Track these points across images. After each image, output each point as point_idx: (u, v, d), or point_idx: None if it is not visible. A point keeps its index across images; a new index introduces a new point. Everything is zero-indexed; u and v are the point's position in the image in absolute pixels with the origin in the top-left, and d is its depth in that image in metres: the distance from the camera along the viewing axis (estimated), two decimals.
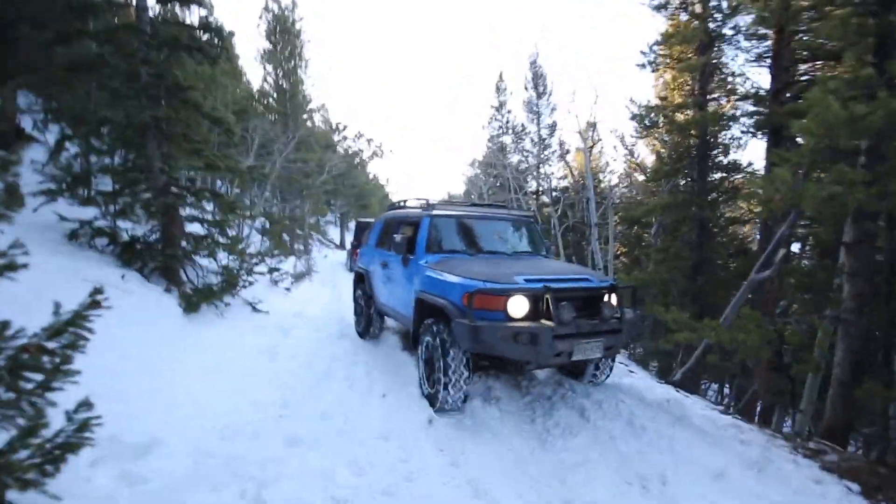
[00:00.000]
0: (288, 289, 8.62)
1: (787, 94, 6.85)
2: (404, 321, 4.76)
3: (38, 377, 1.75)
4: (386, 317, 5.77)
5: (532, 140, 17.03)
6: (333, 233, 35.40)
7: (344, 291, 8.47)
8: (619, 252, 13.06)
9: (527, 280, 3.49)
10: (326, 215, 30.29)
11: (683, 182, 10.67)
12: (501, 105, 18.97)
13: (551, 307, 3.29)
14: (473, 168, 18.39)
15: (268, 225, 11.86)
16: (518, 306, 3.33)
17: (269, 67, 15.63)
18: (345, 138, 25.93)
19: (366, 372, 4.82)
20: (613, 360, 4.36)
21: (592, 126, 11.25)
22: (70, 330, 2.09)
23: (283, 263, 10.01)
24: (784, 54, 6.89)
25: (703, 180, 8.44)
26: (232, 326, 5.68)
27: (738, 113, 7.71)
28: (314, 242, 22.23)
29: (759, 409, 8.00)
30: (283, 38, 14.61)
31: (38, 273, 4.40)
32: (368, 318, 5.88)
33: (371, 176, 39.71)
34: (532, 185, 16.44)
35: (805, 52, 6.98)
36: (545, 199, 16.94)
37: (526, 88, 17.10)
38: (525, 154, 17.40)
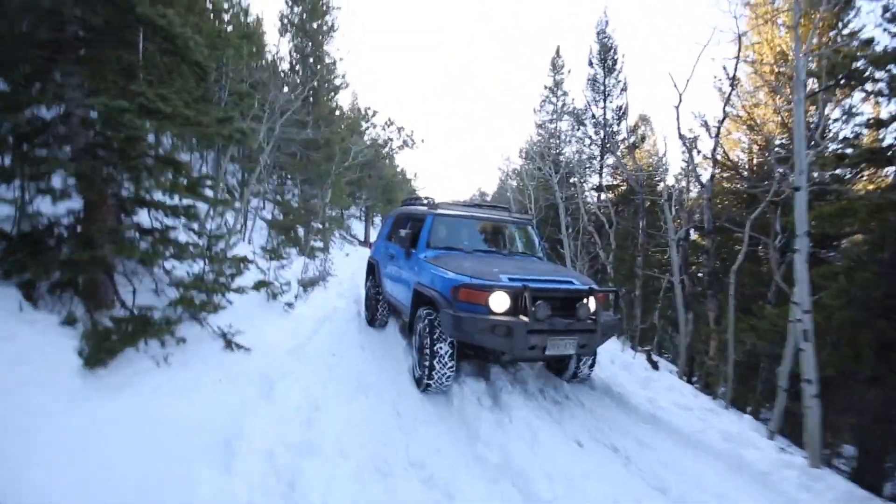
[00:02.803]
0: (290, 304, 6.31)
1: None
2: (404, 311, 4.87)
3: None
4: (391, 307, 5.83)
5: (598, 123, 14.22)
6: (357, 228, 33.35)
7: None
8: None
9: (510, 278, 3.74)
10: (350, 208, 28.12)
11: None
12: (557, 85, 16.18)
13: (528, 304, 3.51)
14: (521, 158, 15.81)
15: (278, 215, 9.69)
16: (498, 301, 3.59)
17: (288, 37, 13.53)
18: (374, 126, 23.79)
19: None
20: (594, 357, 4.53)
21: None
22: None
23: (286, 269, 7.75)
24: None
25: None
26: (178, 381, 3.41)
27: None
28: (334, 238, 20.15)
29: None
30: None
31: None
32: (376, 307, 6.03)
33: (399, 169, 37.51)
34: (594, 179, 13.78)
35: None
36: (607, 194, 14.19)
37: (590, 64, 14.33)
38: (587, 141, 14.63)
